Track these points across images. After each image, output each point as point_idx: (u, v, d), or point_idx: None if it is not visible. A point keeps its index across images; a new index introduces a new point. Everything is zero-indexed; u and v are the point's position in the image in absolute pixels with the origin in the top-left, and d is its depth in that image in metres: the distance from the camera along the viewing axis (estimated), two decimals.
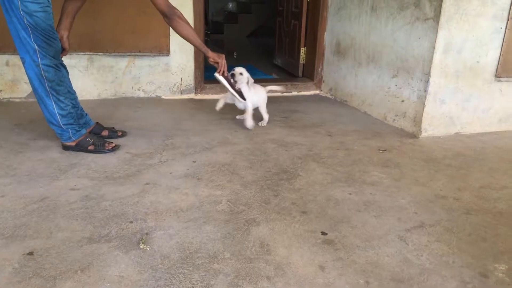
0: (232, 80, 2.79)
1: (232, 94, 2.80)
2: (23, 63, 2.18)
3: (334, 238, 1.66)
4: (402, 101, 3.03)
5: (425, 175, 2.28)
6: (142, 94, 3.63)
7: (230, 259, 1.51)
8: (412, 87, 2.93)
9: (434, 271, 1.49)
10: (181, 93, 3.73)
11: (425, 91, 2.81)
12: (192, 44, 2.54)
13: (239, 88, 2.83)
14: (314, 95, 4.04)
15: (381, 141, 2.80)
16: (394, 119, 3.13)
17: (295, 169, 2.31)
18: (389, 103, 3.17)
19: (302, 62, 4.28)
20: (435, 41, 2.71)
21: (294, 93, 4.02)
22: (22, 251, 1.50)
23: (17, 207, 1.78)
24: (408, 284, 1.41)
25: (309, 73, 4.17)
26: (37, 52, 2.13)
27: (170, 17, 2.35)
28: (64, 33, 2.40)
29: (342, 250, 1.59)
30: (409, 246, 1.63)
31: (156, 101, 3.58)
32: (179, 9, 2.36)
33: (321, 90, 4.10)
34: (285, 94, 3.99)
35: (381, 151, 2.61)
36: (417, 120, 2.90)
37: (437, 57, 2.74)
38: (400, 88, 3.05)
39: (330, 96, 3.97)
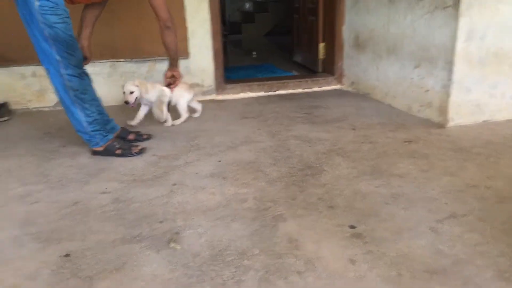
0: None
1: (162, 110, 2.87)
2: (48, 74, 2.25)
3: (362, 232, 1.65)
4: (426, 91, 2.98)
5: (454, 165, 2.24)
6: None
7: (260, 255, 1.52)
8: (436, 76, 2.87)
9: (468, 261, 1.46)
10: (203, 95, 3.76)
11: (450, 80, 2.75)
12: (170, 53, 2.67)
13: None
14: (336, 90, 4.01)
15: (407, 132, 2.76)
16: (419, 110, 3.08)
17: (320, 164, 2.30)
18: (413, 94, 3.12)
19: (321, 57, 4.25)
20: (457, 29, 2.65)
21: (315, 89, 4.00)
22: (58, 253, 1.55)
23: (51, 212, 1.84)
24: (442, 275, 1.39)
25: (329, 68, 4.15)
26: (60, 63, 2.19)
27: (168, 26, 2.50)
28: (85, 42, 2.46)
29: (372, 243, 1.58)
30: (441, 237, 1.60)
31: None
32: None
33: (342, 85, 4.07)
34: (306, 90, 3.98)
35: (407, 143, 2.57)
36: (443, 110, 2.85)
37: (459, 45, 2.68)
38: (423, 78, 3.00)
39: (352, 90, 3.93)
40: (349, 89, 3.98)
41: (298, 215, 1.79)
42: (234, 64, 5.40)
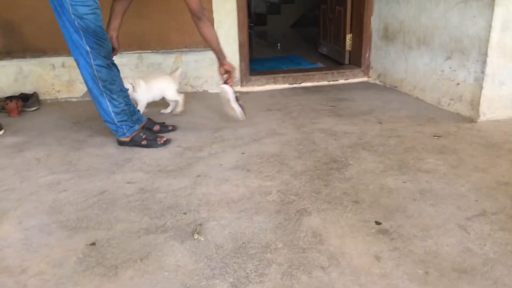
0: (235, 94, 2.65)
1: (234, 108, 2.63)
2: (78, 64, 2.28)
3: (389, 228, 1.62)
4: (458, 84, 2.88)
5: (485, 161, 2.16)
6: (189, 89, 3.70)
7: (283, 249, 1.51)
8: (468, 68, 2.77)
9: (498, 261, 1.41)
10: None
11: (483, 72, 2.65)
12: (212, 47, 2.50)
13: (243, 103, 2.69)
14: (362, 82, 3.94)
15: (436, 126, 2.68)
16: (449, 104, 2.98)
17: (345, 158, 2.27)
18: (443, 86, 3.03)
19: (348, 49, 4.17)
20: (492, 19, 2.54)
21: (341, 81, 3.94)
22: (85, 241, 1.58)
23: (78, 201, 1.88)
24: (471, 275, 1.35)
25: (356, 60, 4.06)
26: (90, 54, 2.22)
27: (200, 17, 2.39)
28: (114, 33, 2.49)
29: (398, 240, 1.54)
30: (470, 235, 1.55)
31: (203, 95, 3.63)
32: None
33: (369, 77, 3.98)
34: (331, 82, 3.92)
35: (436, 137, 2.50)
36: (475, 104, 2.75)
37: (494, 36, 2.57)
38: (455, 70, 2.90)
39: (379, 83, 3.85)
40: (376, 81, 3.89)
41: (323, 209, 1.77)
42: (259, 56, 5.37)
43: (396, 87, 3.60)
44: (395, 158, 2.23)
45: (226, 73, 2.56)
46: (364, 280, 1.34)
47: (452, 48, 2.90)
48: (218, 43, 2.49)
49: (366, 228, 1.62)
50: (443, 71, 3.01)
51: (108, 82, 2.31)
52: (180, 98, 3.06)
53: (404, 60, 3.43)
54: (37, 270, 1.43)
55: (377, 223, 1.65)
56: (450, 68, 2.94)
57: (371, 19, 3.82)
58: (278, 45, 6.39)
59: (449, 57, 2.94)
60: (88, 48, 2.19)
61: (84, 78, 2.30)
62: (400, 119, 2.85)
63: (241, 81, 3.78)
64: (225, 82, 2.58)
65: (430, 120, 2.82)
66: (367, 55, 3.93)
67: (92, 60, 2.22)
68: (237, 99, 2.63)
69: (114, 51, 2.47)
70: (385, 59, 3.70)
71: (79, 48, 2.20)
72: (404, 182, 1.98)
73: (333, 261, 1.44)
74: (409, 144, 2.41)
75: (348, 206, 1.78)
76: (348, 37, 4.13)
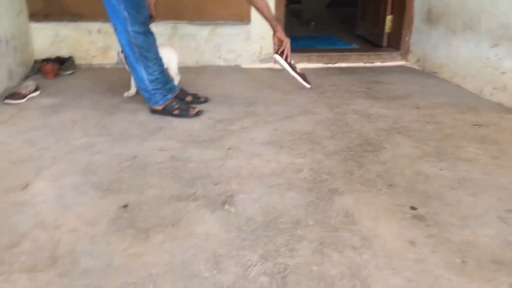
0: (292, 63, 2.48)
1: (294, 77, 2.49)
2: (115, 30, 2.27)
3: (424, 214, 1.57)
4: (503, 72, 2.75)
5: None
6: (222, 63, 3.67)
7: (314, 226, 1.49)
8: None
9: None
10: (261, 62, 3.71)
11: None
12: (264, 16, 2.35)
13: (301, 70, 2.53)
14: (399, 66, 3.81)
15: (477, 115, 2.57)
16: (491, 93, 2.85)
17: (380, 141, 2.20)
18: (486, 75, 2.89)
19: (387, 31, 4.03)
20: None
21: (378, 64, 3.82)
22: (117, 203, 1.59)
23: (111, 164, 1.90)
24: (511, 268, 1.29)
25: (395, 43, 3.93)
26: (127, 20, 2.20)
27: None
28: (152, 1, 2.46)
29: (435, 227, 1.49)
30: (511, 227, 1.49)
31: (236, 70, 3.59)
32: None
33: (407, 61, 3.85)
34: (367, 64, 3.81)
35: (477, 126, 2.40)
36: None
37: None
38: (501, 58, 2.76)
39: (417, 67, 3.72)
40: (414, 66, 3.76)
41: (356, 190, 1.73)
42: (291, 34, 5.25)
43: (435, 72, 3.46)
44: (433, 145, 2.16)
45: (280, 42, 2.43)
46: (398, 264, 1.31)
47: (500, 35, 2.76)
48: (269, 10, 2.34)
49: (400, 212, 1.58)
50: (488, 58, 2.87)
51: (144, 49, 2.30)
52: (177, 78, 2.85)
53: (447, 44, 3.29)
54: (71, 227, 1.45)
55: (413, 208, 1.60)
56: (496, 56, 2.80)
57: (414, 0, 3.66)
58: (312, 24, 6.25)
59: (496, 45, 2.80)
60: (126, 14, 2.18)
61: (121, 44, 2.30)
62: (438, 106, 2.75)
63: None
64: (279, 53, 2.43)
65: (471, 108, 2.70)
66: (407, 38, 3.79)
67: (129, 26, 2.21)
68: (293, 68, 2.48)
69: (151, 18, 2.45)
70: (426, 43, 3.56)
71: (117, 14, 2.19)
72: (441, 169, 1.91)
73: (365, 242, 1.40)
74: (448, 132, 2.33)
75: (382, 189, 1.73)
76: (388, 18, 3.98)
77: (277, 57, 2.43)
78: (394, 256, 1.34)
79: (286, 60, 2.41)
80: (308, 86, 2.51)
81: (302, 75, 2.49)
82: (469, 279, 1.25)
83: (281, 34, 2.38)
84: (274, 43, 2.43)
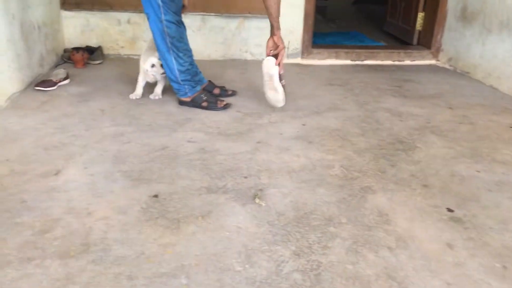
0: (281, 73, 2.37)
1: (276, 89, 2.36)
2: (148, 18, 2.27)
3: (462, 217, 1.51)
4: None
5: None
6: (249, 57, 3.64)
7: (347, 224, 1.45)
8: None
9: None
10: (287, 57, 3.65)
11: None
12: (269, 11, 2.23)
13: (285, 84, 2.40)
14: (430, 65, 3.71)
15: None
16: None
17: (412, 140, 2.15)
18: None
19: (418, 28, 3.94)
20: None
21: (407, 62, 3.73)
22: (148, 193, 1.59)
23: (141, 153, 1.89)
24: None
25: (426, 41, 3.83)
26: (161, 8, 2.20)
27: None
28: None
29: (473, 230, 1.44)
30: None
31: (261, 64, 3.55)
32: None
33: (438, 60, 3.75)
34: (396, 62, 3.73)
35: None
36: None
37: None
38: None
39: (449, 67, 3.62)
40: (446, 65, 3.66)
41: (389, 189, 1.68)
42: (317, 31, 5.17)
43: (468, 72, 3.36)
44: (467, 146, 2.09)
45: (274, 48, 2.32)
46: (436, 266, 1.26)
47: None
48: (277, 10, 2.24)
49: (436, 214, 1.53)
50: None
51: (176, 39, 2.29)
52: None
53: (481, 44, 3.18)
54: (102, 214, 1.45)
55: (449, 210, 1.55)
56: None
57: None
58: (336, 21, 6.15)
59: None
60: (160, 2, 2.17)
61: (153, 33, 2.29)
62: (472, 106, 2.67)
63: (302, 53, 3.66)
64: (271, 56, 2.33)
65: (506, 110, 2.61)
66: (438, 36, 3.69)
67: (162, 14, 2.21)
68: (280, 78, 2.35)
69: (184, 8, 2.43)
70: (459, 42, 3.46)
71: (151, 2, 2.18)
72: (477, 171, 1.85)
73: (401, 243, 1.36)
74: (483, 133, 2.25)
75: (416, 189, 1.68)
76: (420, 15, 3.88)
77: (271, 60, 2.32)
78: (432, 259, 1.30)
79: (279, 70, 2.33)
80: (282, 103, 2.41)
81: (284, 88, 2.39)
82: (510, 285, 1.20)
83: (279, 39, 2.30)
84: (268, 47, 2.33)
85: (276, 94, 2.38)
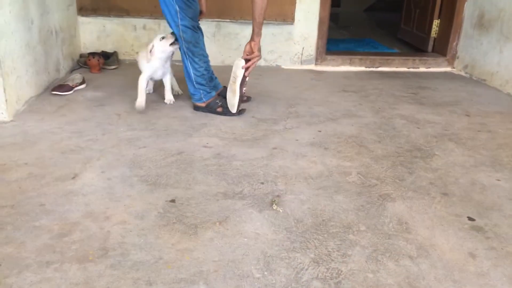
0: (246, 80, 2.38)
1: (235, 92, 2.35)
2: (168, 24, 2.29)
3: (483, 226, 1.48)
4: None
5: None
6: (263, 63, 3.63)
7: (366, 232, 1.43)
8: None
9: None
10: (301, 64, 3.66)
11: None
12: (254, 15, 2.23)
13: (245, 93, 2.46)
14: (445, 72, 3.68)
15: None
16: None
17: (430, 148, 2.12)
18: None
19: (433, 36, 3.90)
20: None
21: (422, 69, 3.70)
22: (165, 198, 1.59)
23: (158, 158, 1.89)
24: None
25: (441, 48, 3.80)
26: (178, 13, 2.22)
27: None
28: None
29: (495, 240, 1.41)
30: None
31: (276, 70, 3.56)
32: None
33: (454, 67, 3.72)
34: (411, 69, 3.70)
35: None
36: None
37: None
38: None
39: (465, 74, 3.58)
40: (461, 72, 3.62)
41: (408, 197, 1.66)
42: (330, 37, 5.17)
43: (484, 80, 3.32)
44: (487, 154, 2.06)
45: (250, 53, 2.31)
46: (459, 276, 1.24)
47: None
48: (261, 16, 2.23)
49: (457, 222, 1.50)
50: None
51: (192, 44, 2.30)
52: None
53: (499, 51, 3.15)
54: (120, 219, 1.45)
55: (470, 219, 1.52)
56: None
57: (465, 4, 3.53)
58: (350, 27, 6.14)
59: None
60: (177, 8, 2.19)
61: None
62: (490, 114, 2.63)
63: (316, 60, 3.65)
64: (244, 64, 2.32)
65: None
66: (454, 43, 3.66)
67: (179, 20, 2.23)
68: (242, 85, 2.34)
69: (201, 14, 2.45)
70: (475, 49, 3.42)
71: (169, 7, 2.21)
72: (498, 180, 1.81)
73: (422, 252, 1.34)
74: (502, 141, 2.22)
75: (436, 198, 1.66)
76: (435, 22, 3.86)
77: (242, 62, 2.31)
78: (454, 268, 1.27)
79: (244, 73, 2.32)
80: (234, 111, 2.40)
81: (241, 98, 2.39)
82: None
83: (255, 45, 2.28)
84: (245, 51, 2.33)
85: (233, 97, 2.39)
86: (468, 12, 3.52)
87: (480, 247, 1.37)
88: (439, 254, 1.33)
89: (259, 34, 2.29)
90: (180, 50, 2.35)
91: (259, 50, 2.32)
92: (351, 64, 3.70)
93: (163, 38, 2.37)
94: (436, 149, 2.10)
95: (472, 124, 2.45)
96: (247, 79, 2.37)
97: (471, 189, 1.73)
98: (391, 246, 1.37)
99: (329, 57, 3.68)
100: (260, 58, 2.35)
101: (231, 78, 2.39)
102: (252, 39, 2.30)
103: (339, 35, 5.42)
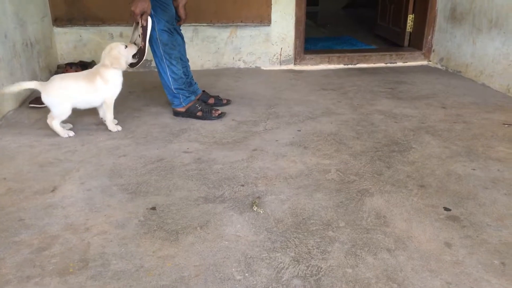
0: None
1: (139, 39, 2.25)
2: None
3: (459, 215, 1.52)
4: None
5: None
6: (242, 65, 3.66)
7: (345, 228, 1.46)
8: None
9: None
10: (280, 64, 3.68)
11: None
12: None
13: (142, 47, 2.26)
14: (422, 66, 3.74)
15: (506, 115, 2.50)
16: None
17: (407, 141, 2.16)
18: None
19: (409, 30, 3.97)
20: None
21: (399, 64, 3.76)
22: (145, 205, 1.59)
23: (138, 166, 1.90)
24: None
25: (417, 42, 3.86)
26: (153, 17, 2.23)
27: None
28: (181, 2, 2.46)
29: (470, 228, 1.44)
30: None
31: (256, 72, 3.58)
32: None
33: (430, 61, 3.78)
34: (389, 64, 3.76)
35: (506, 126, 2.33)
36: None
37: None
38: None
39: (440, 67, 3.64)
40: (437, 65, 3.69)
41: (386, 191, 1.69)
42: (309, 36, 5.20)
43: (460, 72, 3.39)
44: (462, 144, 2.10)
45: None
46: (435, 266, 1.27)
47: None
48: None
49: (434, 213, 1.53)
50: None
51: (169, 46, 2.32)
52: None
53: (472, 43, 3.21)
54: (100, 229, 1.45)
55: (446, 209, 1.56)
56: None
57: None
58: (328, 25, 6.20)
59: None
60: (152, 12, 2.20)
61: (148, 42, 2.31)
62: (465, 105, 2.69)
63: (295, 59, 3.68)
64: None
65: (499, 107, 2.63)
66: (429, 37, 3.72)
67: (155, 23, 2.24)
68: (141, 38, 2.23)
69: (180, 19, 2.46)
70: (450, 42, 3.49)
71: None
72: (473, 169, 1.86)
73: (400, 244, 1.37)
74: (477, 131, 2.27)
75: (413, 190, 1.69)
76: (410, 17, 3.92)
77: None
78: (431, 258, 1.30)
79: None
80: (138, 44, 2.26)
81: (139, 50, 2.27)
82: (510, 281, 1.21)
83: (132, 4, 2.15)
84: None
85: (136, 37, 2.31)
86: (441, 5, 3.59)
87: (456, 236, 1.41)
88: (416, 245, 1.36)
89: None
90: (155, 56, 2.35)
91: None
92: (329, 62, 3.73)
93: (126, 47, 2.23)
94: (413, 142, 2.14)
95: (448, 116, 2.50)
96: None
97: (447, 180, 1.77)
98: (370, 240, 1.39)
99: (307, 56, 3.71)
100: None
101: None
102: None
103: (318, 34, 5.46)
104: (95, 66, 2.30)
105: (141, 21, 2.19)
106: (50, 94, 2.11)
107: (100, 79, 2.20)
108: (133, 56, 2.26)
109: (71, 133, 2.22)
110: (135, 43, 2.29)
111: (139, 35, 2.26)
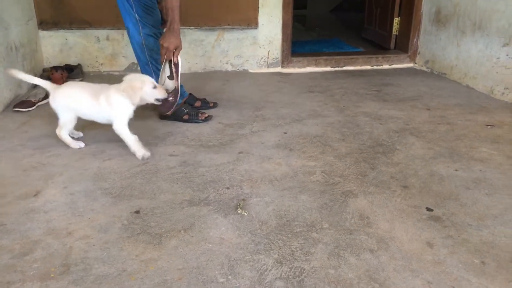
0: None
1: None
2: (128, 32, 2.31)
3: (441, 215, 1.54)
4: None
5: None
6: (230, 68, 3.67)
7: (329, 229, 1.46)
8: None
9: None
10: (268, 67, 3.70)
11: None
12: (172, 14, 2.16)
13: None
14: (408, 68, 3.78)
15: (489, 116, 2.54)
16: (503, 93, 2.82)
17: (392, 143, 2.18)
18: (497, 75, 2.86)
19: (394, 33, 4.01)
20: None
21: (386, 66, 3.80)
22: (129, 209, 1.58)
23: (122, 170, 1.89)
24: None
25: (403, 45, 3.90)
26: (139, 22, 2.23)
27: None
28: (166, 5, 2.45)
29: (452, 228, 1.46)
30: None
31: (243, 75, 3.58)
32: None
33: (416, 63, 3.82)
34: (375, 67, 3.79)
35: (489, 127, 2.36)
36: None
37: None
38: None
39: (426, 69, 3.69)
40: (423, 67, 3.73)
41: (370, 192, 1.70)
42: (296, 39, 5.23)
43: (445, 74, 3.43)
44: (446, 146, 2.13)
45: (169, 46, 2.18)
46: (416, 266, 1.28)
47: (511, 34, 2.73)
48: (177, 14, 2.16)
49: (416, 214, 1.55)
50: (498, 58, 2.84)
51: (154, 51, 2.31)
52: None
53: (456, 46, 3.26)
54: (82, 233, 1.44)
55: (428, 209, 1.57)
56: (507, 55, 2.77)
57: (423, 1, 3.64)
58: (316, 28, 6.24)
59: (507, 44, 2.77)
60: (137, 16, 2.21)
61: (133, 46, 2.34)
62: (449, 107, 2.72)
63: (282, 62, 3.70)
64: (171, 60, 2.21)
65: (482, 109, 2.67)
66: (415, 40, 3.77)
67: (141, 28, 2.25)
68: (175, 77, 2.24)
69: (164, 23, 2.45)
70: (435, 45, 3.53)
71: (130, 16, 2.23)
72: (456, 170, 1.88)
73: (382, 245, 1.38)
74: (460, 132, 2.30)
75: (396, 191, 1.71)
76: (396, 20, 3.96)
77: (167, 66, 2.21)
78: (412, 258, 1.31)
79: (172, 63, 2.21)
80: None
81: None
82: (489, 280, 1.22)
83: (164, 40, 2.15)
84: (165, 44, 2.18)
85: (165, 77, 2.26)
86: (426, 8, 3.63)
87: (437, 236, 1.42)
88: (398, 245, 1.37)
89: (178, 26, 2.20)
90: (139, 61, 2.34)
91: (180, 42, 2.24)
92: (316, 65, 3.76)
93: (155, 87, 2.01)
94: (397, 143, 2.16)
95: (432, 118, 2.53)
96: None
97: (430, 181, 1.78)
98: (353, 241, 1.40)
99: (295, 59, 3.73)
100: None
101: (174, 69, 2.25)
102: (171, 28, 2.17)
103: (307, 37, 5.50)
104: (113, 85, 2.04)
105: (173, 58, 2.12)
106: (56, 99, 2.05)
107: (104, 100, 1.99)
108: (157, 99, 2.04)
109: (82, 144, 2.12)
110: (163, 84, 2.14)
111: (169, 75, 2.15)
